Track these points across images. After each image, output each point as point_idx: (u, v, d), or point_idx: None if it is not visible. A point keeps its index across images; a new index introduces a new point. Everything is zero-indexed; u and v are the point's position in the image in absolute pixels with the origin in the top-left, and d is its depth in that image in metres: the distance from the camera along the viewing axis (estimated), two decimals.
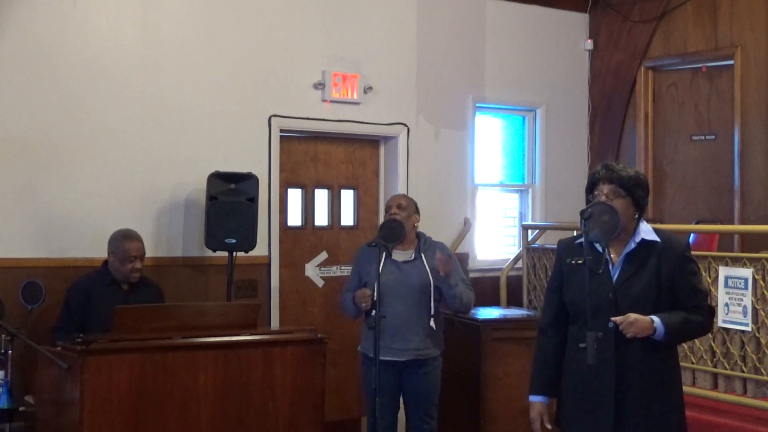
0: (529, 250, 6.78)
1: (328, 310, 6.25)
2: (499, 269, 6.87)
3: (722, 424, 4.99)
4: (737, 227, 6.44)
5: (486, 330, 5.65)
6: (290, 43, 6.04)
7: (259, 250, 5.70)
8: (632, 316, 3.28)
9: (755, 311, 5.05)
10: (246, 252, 5.51)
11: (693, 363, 5.33)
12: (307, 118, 6.10)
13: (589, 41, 7.41)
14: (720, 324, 5.12)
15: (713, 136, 6.88)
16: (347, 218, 6.47)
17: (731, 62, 6.63)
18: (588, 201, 3.47)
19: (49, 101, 5.25)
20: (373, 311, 4.54)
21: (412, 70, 6.56)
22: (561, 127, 7.31)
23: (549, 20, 7.26)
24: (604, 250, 3.38)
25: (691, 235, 5.76)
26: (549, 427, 3.44)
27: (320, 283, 6.31)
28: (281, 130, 6.03)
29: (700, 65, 6.88)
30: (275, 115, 5.98)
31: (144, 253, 5.04)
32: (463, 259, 6.74)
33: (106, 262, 5.01)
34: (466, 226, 6.77)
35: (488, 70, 6.94)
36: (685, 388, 3.66)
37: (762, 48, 6.47)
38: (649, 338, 3.32)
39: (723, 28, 6.69)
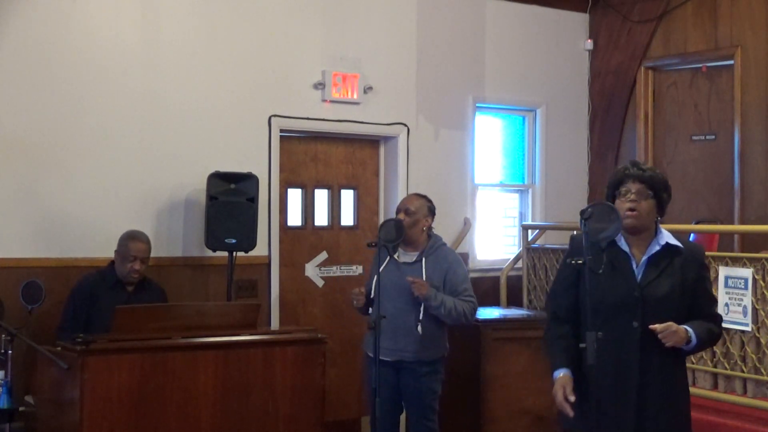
0: (529, 250, 6.78)
1: (328, 310, 6.25)
2: (499, 269, 6.87)
3: (722, 424, 4.99)
4: (737, 227, 6.43)
5: (486, 330, 5.65)
6: (290, 43, 6.04)
7: (259, 250, 5.70)
8: (674, 325, 3.28)
9: (755, 311, 5.05)
10: (246, 252, 5.51)
11: (693, 363, 5.33)
12: (307, 118, 6.10)
13: (589, 41, 7.41)
14: None
15: (713, 136, 6.87)
16: (347, 218, 6.47)
17: (731, 62, 6.63)
18: (612, 196, 3.47)
19: (49, 101, 5.25)
20: (370, 309, 4.54)
21: (412, 70, 6.56)
22: (561, 127, 7.31)
23: (549, 20, 7.26)
24: (602, 248, 3.37)
25: (691, 235, 5.75)
26: (572, 398, 3.35)
27: (320, 283, 6.31)
28: (281, 130, 6.03)
29: (700, 65, 6.88)
30: (275, 115, 5.98)
31: (146, 256, 5.03)
32: (463, 259, 6.72)
33: (113, 263, 5.03)
34: (466, 226, 6.77)
35: (488, 70, 6.94)
36: None
37: (762, 48, 6.47)
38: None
39: (723, 28, 6.69)
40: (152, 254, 5.41)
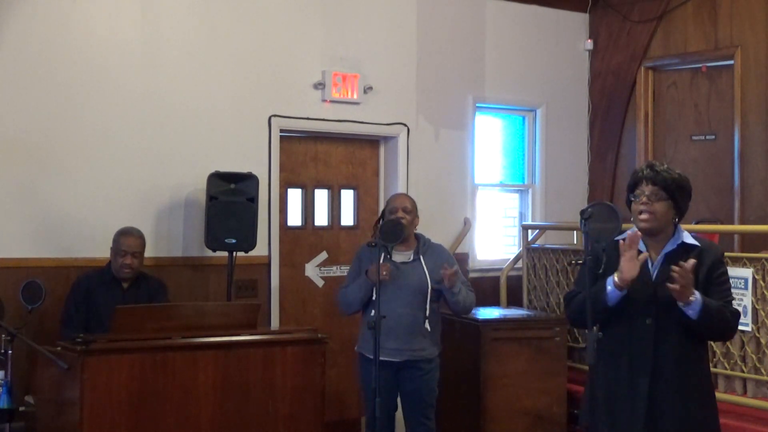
0: (529, 250, 6.78)
1: (328, 310, 6.25)
2: (499, 269, 6.87)
3: (722, 424, 4.96)
4: (737, 227, 6.44)
5: (486, 330, 5.65)
6: (290, 43, 6.04)
7: (259, 250, 5.70)
8: (690, 278, 3.21)
9: (755, 311, 5.05)
10: (246, 252, 5.51)
11: None
12: (307, 118, 6.10)
13: (589, 41, 7.41)
14: None
15: (713, 136, 6.88)
16: (347, 218, 6.47)
17: (731, 62, 6.63)
18: (629, 200, 3.44)
19: (49, 101, 5.25)
20: (372, 311, 4.54)
21: (412, 70, 6.56)
22: (561, 127, 7.31)
23: (549, 20, 7.26)
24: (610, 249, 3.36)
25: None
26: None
27: (320, 283, 6.31)
28: (281, 130, 6.03)
29: (700, 65, 6.88)
30: (275, 115, 5.98)
31: (139, 251, 5.03)
32: (463, 259, 6.75)
33: (111, 261, 5.04)
34: (466, 226, 6.77)
35: (488, 70, 6.94)
36: None
37: (762, 48, 6.47)
38: (688, 327, 3.30)
39: (723, 28, 6.69)
40: (152, 254, 5.42)
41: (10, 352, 4.23)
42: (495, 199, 7.23)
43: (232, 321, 4.68)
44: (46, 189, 5.24)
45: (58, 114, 5.28)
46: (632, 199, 3.42)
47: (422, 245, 4.89)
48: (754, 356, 5.13)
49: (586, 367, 3.78)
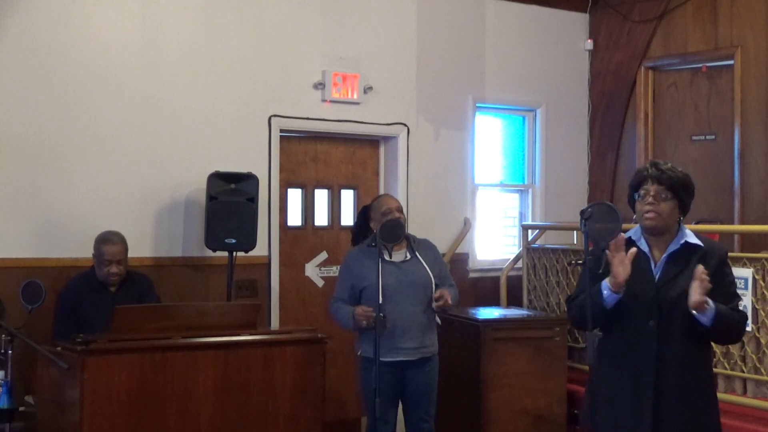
0: (529, 250, 6.78)
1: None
2: (499, 269, 6.87)
3: (722, 424, 4.99)
4: (737, 227, 6.44)
5: (486, 330, 5.65)
6: (290, 43, 6.04)
7: (259, 250, 5.70)
8: (708, 281, 3.17)
9: (755, 311, 5.05)
10: (246, 252, 5.51)
11: None
12: (307, 118, 6.10)
13: (589, 41, 7.41)
14: None
15: (713, 136, 6.88)
16: (347, 218, 6.47)
17: (731, 62, 6.63)
18: (632, 198, 3.41)
19: (49, 101, 5.25)
20: (382, 314, 4.53)
21: (412, 70, 6.56)
22: (561, 127, 7.31)
23: (549, 20, 7.26)
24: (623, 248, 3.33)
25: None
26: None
27: (320, 283, 6.31)
28: (281, 130, 6.03)
29: (700, 65, 6.88)
30: (275, 115, 5.98)
31: (123, 257, 4.96)
32: (463, 259, 6.76)
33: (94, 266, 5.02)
34: (466, 226, 6.77)
35: (488, 70, 6.94)
36: None
37: (762, 48, 6.47)
38: (692, 327, 3.27)
39: (723, 28, 6.69)
40: (152, 254, 5.43)
41: (10, 352, 4.23)
42: (495, 199, 7.23)
43: (232, 321, 4.68)
44: (46, 189, 5.24)
45: (58, 114, 5.28)
46: (636, 197, 3.39)
47: (414, 242, 4.88)
48: (754, 356, 5.13)
49: (586, 367, 3.79)
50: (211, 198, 5.38)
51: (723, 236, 6.16)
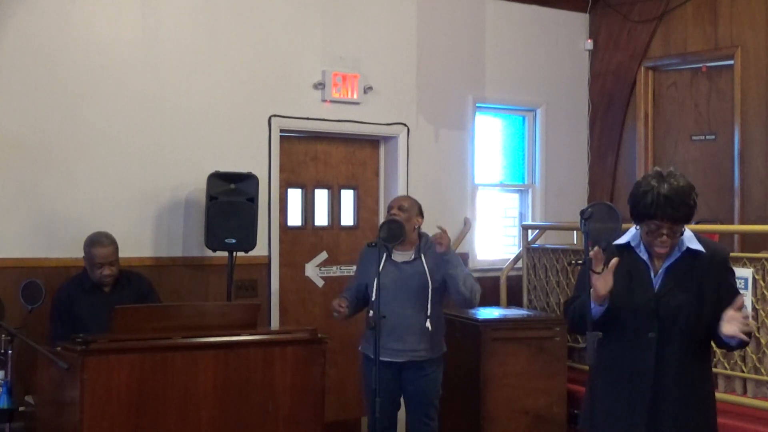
0: (529, 250, 6.78)
1: (328, 310, 6.22)
2: (499, 269, 6.87)
3: (722, 424, 4.94)
4: (737, 227, 6.43)
5: (486, 330, 5.65)
6: (290, 43, 6.04)
7: (259, 250, 5.70)
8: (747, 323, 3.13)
9: (755, 311, 5.05)
10: (246, 252, 5.51)
11: None
12: (307, 118, 6.10)
13: (589, 41, 7.41)
14: None
15: (713, 136, 6.87)
16: (347, 218, 6.47)
17: (731, 62, 6.63)
18: (638, 219, 3.27)
19: (49, 101, 5.25)
20: (371, 312, 4.55)
21: (412, 70, 6.56)
22: (561, 127, 7.31)
23: (549, 20, 7.26)
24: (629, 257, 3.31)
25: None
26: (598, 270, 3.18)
27: (320, 283, 6.31)
28: (281, 130, 6.03)
29: (700, 65, 6.88)
30: (275, 115, 5.98)
31: (114, 258, 4.94)
32: (463, 259, 6.72)
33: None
34: (466, 226, 6.77)
35: (488, 70, 6.94)
36: None
37: (762, 48, 6.47)
38: (692, 337, 3.26)
39: (723, 28, 6.69)
40: (152, 254, 5.42)
41: (10, 352, 4.23)
42: (495, 199, 7.23)
43: (232, 321, 4.68)
44: (46, 189, 5.24)
45: (58, 114, 5.28)
46: (646, 228, 3.24)
47: (424, 244, 4.88)
48: (754, 356, 5.13)
49: (586, 367, 3.78)
50: (211, 198, 5.38)
51: (723, 236, 6.17)
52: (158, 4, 5.59)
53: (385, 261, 4.72)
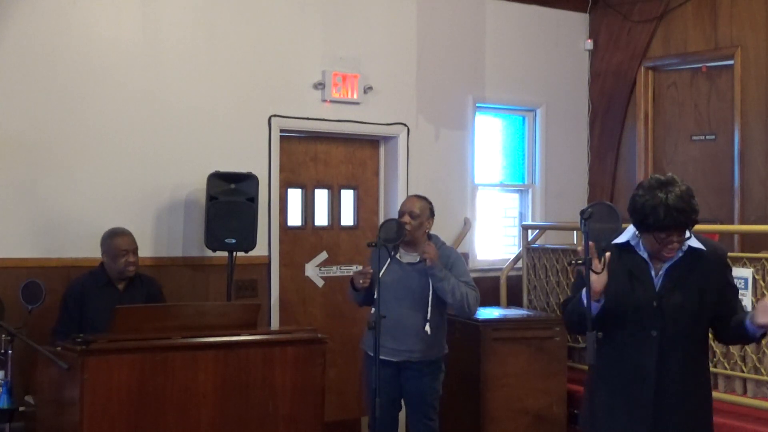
0: (529, 250, 6.78)
1: (328, 310, 6.25)
2: (499, 269, 6.87)
3: (722, 424, 4.99)
4: (737, 227, 6.43)
5: (486, 330, 5.65)
6: (290, 43, 6.04)
7: (259, 250, 5.70)
8: None
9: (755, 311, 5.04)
10: (246, 252, 5.51)
11: None
12: (307, 118, 6.10)
13: (589, 41, 7.41)
14: None
15: (713, 136, 6.88)
16: (347, 218, 6.47)
17: (731, 62, 6.63)
18: (642, 226, 3.25)
19: (49, 101, 5.25)
20: (373, 310, 4.55)
21: (412, 70, 6.56)
22: (561, 127, 7.31)
23: (549, 20, 7.26)
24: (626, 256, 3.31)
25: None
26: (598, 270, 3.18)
27: (320, 283, 6.31)
28: (281, 130, 6.03)
29: (700, 65, 6.88)
30: (275, 115, 5.98)
31: (136, 247, 5.03)
32: (464, 259, 6.74)
33: (102, 264, 5.02)
34: (466, 226, 6.77)
35: (488, 70, 6.94)
36: None
37: (762, 48, 6.47)
38: (693, 334, 3.28)
39: (723, 28, 6.69)
40: (152, 254, 5.42)
41: (10, 352, 4.22)
42: (495, 199, 7.23)
43: (232, 321, 4.68)
44: (45, 189, 5.24)
45: (58, 114, 5.28)
46: (654, 239, 3.23)
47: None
48: (754, 356, 5.13)
49: (586, 367, 3.78)
50: (211, 198, 5.38)
51: (723, 236, 6.17)
52: (158, 4, 5.60)
53: (392, 261, 4.73)
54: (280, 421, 4.48)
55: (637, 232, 3.32)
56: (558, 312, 6.32)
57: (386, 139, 6.55)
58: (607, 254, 3.20)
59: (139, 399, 4.14)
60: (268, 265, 5.95)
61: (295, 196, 6.28)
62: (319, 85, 6.12)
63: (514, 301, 6.77)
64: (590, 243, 3.18)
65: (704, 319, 3.30)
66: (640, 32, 7.14)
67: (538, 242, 6.86)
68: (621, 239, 3.35)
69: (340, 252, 6.38)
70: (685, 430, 3.32)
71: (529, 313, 6.30)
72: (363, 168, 6.54)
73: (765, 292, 5.03)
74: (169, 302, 5.23)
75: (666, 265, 3.31)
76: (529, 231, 6.87)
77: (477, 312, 5.23)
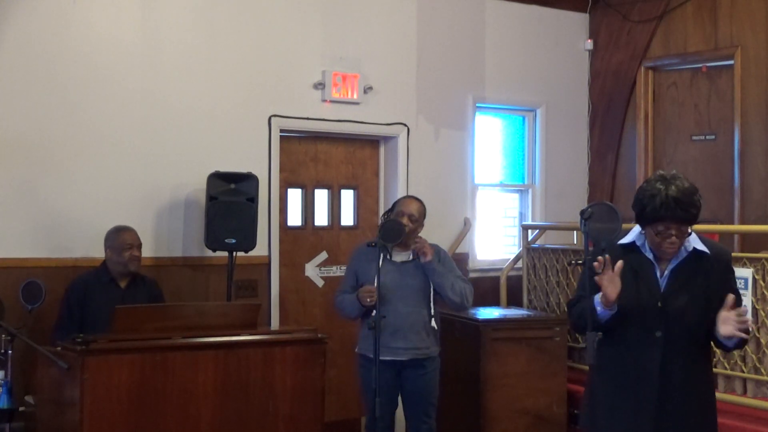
0: (529, 250, 6.78)
1: (328, 310, 6.24)
2: (499, 269, 6.87)
3: (722, 424, 4.95)
4: (737, 227, 6.44)
5: (486, 330, 5.65)
6: (290, 43, 6.04)
7: (259, 250, 5.70)
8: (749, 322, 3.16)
9: (755, 311, 5.05)
10: (246, 252, 5.51)
11: None
12: (307, 118, 6.10)
13: (589, 41, 7.41)
14: None
15: (713, 136, 6.87)
16: (347, 218, 6.47)
17: (731, 62, 6.63)
18: (643, 220, 3.26)
19: (48, 101, 5.25)
20: (373, 311, 4.55)
21: (412, 70, 6.56)
22: (561, 127, 7.31)
23: (549, 20, 7.26)
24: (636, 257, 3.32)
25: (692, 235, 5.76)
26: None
27: (320, 283, 6.31)
28: (281, 130, 6.03)
29: (700, 65, 6.88)
30: (275, 115, 5.98)
31: (140, 243, 5.07)
32: (463, 259, 6.75)
33: (104, 262, 5.03)
34: (466, 226, 6.77)
35: (488, 70, 6.94)
36: None
37: (762, 48, 6.47)
38: (697, 335, 3.27)
39: (723, 28, 6.69)
40: (152, 254, 5.43)
41: (10, 352, 4.23)
42: (495, 199, 7.23)
43: (232, 321, 4.68)
44: (45, 189, 5.24)
45: (58, 114, 5.28)
46: (654, 231, 3.24)
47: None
48: (754, 356, 5.13)
49: (586, 367, 3.78)
50: (211, 198, 5.38)
51: (723, 236, 6.17)
52: (158, 4, 5.59)
53: (383, 261, 4.73)
54: (280, 421, 4.48)
55: (642, 231, 3.32)
56: (558, 312, 6.32)
57: (386, 139, 6.55)
58: (620, 263, 3.21)
59: (139, 399, 4.14)
60: (268, 265, 5.95)
61: (295, 196, 6.28)
62: (319, 85, 6.12)
63: (514, 301, 6.77)
64: (600, 258, 3.19)
65: (707, 319, 3.28)
66: (640, 32, 7.14)
67: (538, 242, 6.86)
68: (627, 239, 3.36)
69: (340, 252, 6.38)
70: (687, 428, 3.32)
71: (529, 313, 6.29)
72: (363, 168, 6.54)
73: (765, 292, 5.03)
74: (169, 302, 5.23)
75: (671, 266, 3.31)
76: (529, 231, 6.87)
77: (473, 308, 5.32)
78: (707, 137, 6.91)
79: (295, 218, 6.27)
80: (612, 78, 7.32)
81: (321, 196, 6.38)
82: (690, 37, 6.90)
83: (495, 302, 6.71)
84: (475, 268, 6.85)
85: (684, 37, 6.94)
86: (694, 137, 6.97)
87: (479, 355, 5.61)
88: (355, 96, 6.22)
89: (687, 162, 6.96)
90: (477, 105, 6.89)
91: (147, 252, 5.40)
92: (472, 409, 5.64)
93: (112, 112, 5.43)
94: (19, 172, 5.17)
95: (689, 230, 3.27)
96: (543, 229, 6.92)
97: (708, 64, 6.84)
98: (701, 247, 3.32)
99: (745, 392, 5.23)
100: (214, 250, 5.46)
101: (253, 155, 5.86)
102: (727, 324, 3.15)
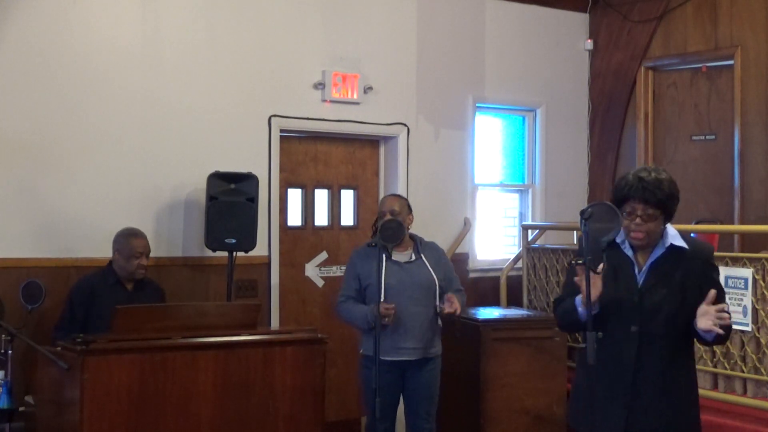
0: (529, 250, 6.78)
1: (328, 310, 6.23)
2: (499, 269, 6.87)
3: (722, 424, 5.00)
4: (737, 227, 6.43)
5: (486, 330, 5.65)
6: (290, 43, 6.04)
7: (259, 250, 5.70)
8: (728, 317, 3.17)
9: (755, 311, 5.05)
10: (246, 252, 5.51)
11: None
12: (307, 118, 6.10)
13: (589, 41, 7.41)
14: None
15: (713, 136, 6.88)
16: (347, 218, 6.47)
17: (731, 62, 6.63)
18: (627, 209, 3.32)
19: (49, 101, 5.25)
20: (383, 324, 4.56)
21: (412, 70, 6.56)
22: (561, 127, 7.31)
23: (549, 20, 7.26)
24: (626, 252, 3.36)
25: (692, 234, 5.75)
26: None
27: (320, 283, 6.31)
28: (281, 130, 6.03)
29: (700, 65, 6.88)
30: (275, 115, 5.98)
31: (149, 251, 5.08)
32: (463, 259, 6.76)
33: (111, 262, 5.03)
34: (466, 226, 6.77)
35: (488, 70, 6.94)
36: None
37: (762, 48, 6.47)
38: (674, 330, 3.30)
39: (723, 28, 6.69)
40: (152, 254, 5.41)
41: (10, 352, 4.23)
42: (495, 199, 7.23)
43: (232, 321, 4.68)
44: (46, 189, 5.24)
45: (58, 114, 5.28)
46: (624, 213, 3.31)
47: (420, 244, 4.94)
48: (754, 356, 5.13)
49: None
50: (211, 198, 5.39)
51: (723, 236, 6.17)
52: (158, 4, 5.59)
53: (387, 262, 4.74)
54: (280, 421, 4.48)
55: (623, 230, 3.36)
56: None
57: (386, 139, 6.55)
58: (601, 265, 3.24)
59: (139, 399, 4.14)
60: (268, 265, 5.95)
61: (295, 196, 6.28)
62: (319, 85, 6.12)
63: (514, 301, 6.77)
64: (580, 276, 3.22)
65: (684, 316, 3.31)
66: (640, 32, 7.14)
67: (538, 242, 6.86)
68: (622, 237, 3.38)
69: (340, 252, 6.38)
70: (664, 424, 3.34)
71: (529, 313, 6.30)
72: (363, 168, 6.54)
73: (765, 292, 5.03)
74: (169, 302, 5.23)
75: (649, 262, 3.36)
76: (529, 231, 6.87)
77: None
78: (707, 137, 6.91)
79: (295, 218, 6.27)
80: (612, 78, 7.32)
81: (321, 196, 6.38)
82: (690, 37, 6.90)
83: (495, 302, 6.71)
84: (475, 268, 6.85)
85: (684, 37, 6.94)
86: (694, 137, 6.98)
87: (479, 355, 5.61)
88: (355, 96, 6.23)
89: (687, 162, 6.96)
90: (477, 105, 6.90)
91: None
92: (472, 409, 5.64)
93: (112, 112, 5.43)
94: (19, 172, 5.17)
95: (661, 220, 3.30)
96: (543, 229, 6.92)
97: (708, 64, 6.84)
98: (679, 242, 3.36)
99: (745, 392, 5.23)
100: (214, 250, 5.46)
101: (253, 155, 5.86)
102: (705, 318, 3.18)
